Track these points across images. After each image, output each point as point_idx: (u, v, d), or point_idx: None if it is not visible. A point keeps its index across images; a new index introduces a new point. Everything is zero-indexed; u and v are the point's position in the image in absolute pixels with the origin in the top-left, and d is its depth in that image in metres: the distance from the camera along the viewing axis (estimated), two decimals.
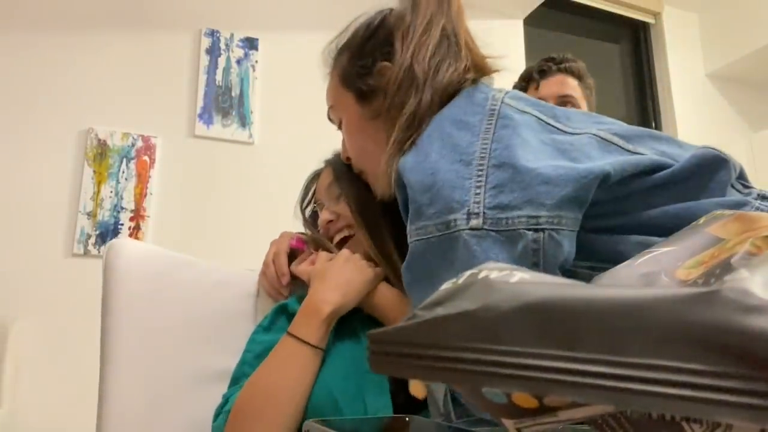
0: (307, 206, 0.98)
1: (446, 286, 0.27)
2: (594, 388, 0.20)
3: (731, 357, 0.17)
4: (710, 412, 0.17)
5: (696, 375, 0.18)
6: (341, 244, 0.86)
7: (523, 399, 0.25)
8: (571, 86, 1.37)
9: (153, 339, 0.82)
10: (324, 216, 0.88)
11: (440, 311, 0.25)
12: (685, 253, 0.33)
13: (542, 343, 0.21)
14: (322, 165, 0.96)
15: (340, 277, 0.76)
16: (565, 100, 1.34)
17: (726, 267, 0.28)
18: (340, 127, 0.80)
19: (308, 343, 0.71)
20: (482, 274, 0.26)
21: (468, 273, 0.27)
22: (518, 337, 0.22)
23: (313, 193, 0.97)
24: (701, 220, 0.36)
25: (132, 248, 0.86)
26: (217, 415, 0.74)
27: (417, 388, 0.32)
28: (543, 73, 1.38)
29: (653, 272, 0.33)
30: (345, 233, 0.86)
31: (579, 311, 0.21)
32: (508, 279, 0.25)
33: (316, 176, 0.97)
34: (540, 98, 1.29)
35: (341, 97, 0.77)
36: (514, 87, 1.44)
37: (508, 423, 0.26)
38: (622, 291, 0.21)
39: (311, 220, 0.95)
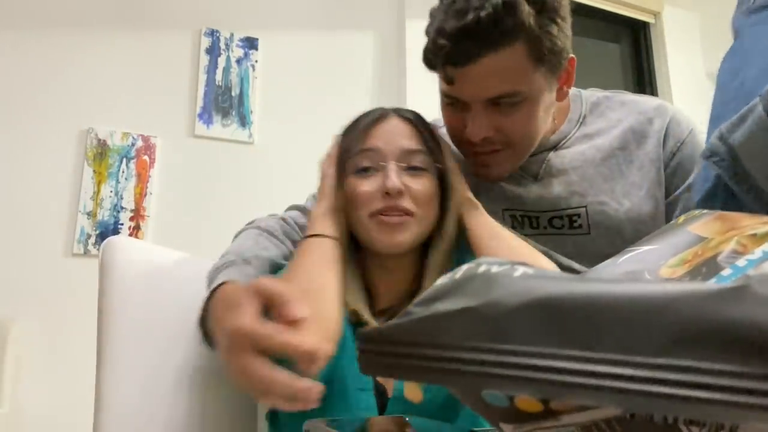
0: (346, 153, 0.76)
1: (442, 280, 0.25)
2: (614, 391, 0.18)
3: (764, 356, 0.16)
4: (746, 417, 0.16)
5: (727, 377, 0.16)
6: (382, 222, 0.72)
7: (528, 403, 0.23)
8: (500, 79, 0.77)
9: (150, 337, 0.81)
10: (393, 182, 0.71)
11: (439, 307, 0.23)
12: (667, 252, 0.32)
13: (555, 343, 0.20)
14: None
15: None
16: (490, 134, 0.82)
17: (712, 265, 0.28)
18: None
19: (331, 237, 0.71)
20: (482, 268, 0.24)
21: (465, 267, 0.25)
22: (528, 335, 0.20)
23: (360, 132, 0.76)
24: (680, 219, 0.36)
25: (129, 246, 0.86)
26: None
27: (413, 392, 0.30)
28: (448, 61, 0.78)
29: (636, 271, 0.32)
30: (405, 212, 0.72)
31: (595, 307, 0.19)
32: (511, 273, 0.23)
33: (380, 119, 0.77)
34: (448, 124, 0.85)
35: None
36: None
37: (506, 428, 0.25)
38: (641, 286, 0.20)
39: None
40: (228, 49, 2.44)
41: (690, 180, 0.88)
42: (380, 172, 0.74)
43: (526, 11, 0.74)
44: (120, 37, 2.30)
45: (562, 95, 0.87)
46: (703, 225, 0.33)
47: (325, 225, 0.73)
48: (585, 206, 0.89)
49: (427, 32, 0.81)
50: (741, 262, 0.28)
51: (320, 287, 0.66)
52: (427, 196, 0.74)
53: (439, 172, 0.77)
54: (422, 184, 0.74)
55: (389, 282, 0.78)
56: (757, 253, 0.28)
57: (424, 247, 0.78)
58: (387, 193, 0.71)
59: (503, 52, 0.75)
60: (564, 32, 0.80)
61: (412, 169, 0.74)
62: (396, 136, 0.75)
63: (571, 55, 0.85)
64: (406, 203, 0.72)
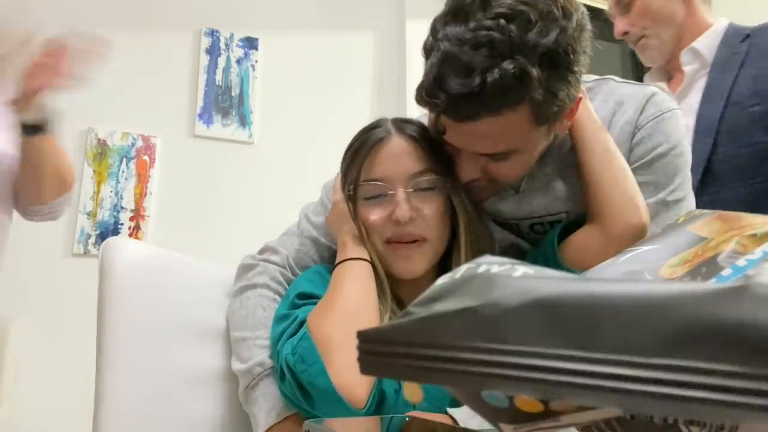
0: (353, 184, 0.77)
1: (442, 280, 0.25)
2: (614, 391, 0.18)
3: (764, 357, 0.16)
4: (746, 417, 0.16)
5: (727, 377, 0.16)
6: (397, 249, 0.76)
7: (528, 403, 0.23)
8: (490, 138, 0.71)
9: (149, 338, 0.82)
10: (403, 212, 0.73)
11: (438, 308, 0.23)
12: (667, 252, 0.32)
13: (554, 343, 0.19)
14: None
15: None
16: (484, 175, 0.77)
17: (712, 265, 0.28)
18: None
19: (366, 260, 0.75)
20: (482, 268, 0.24)
21: (465, 267, 0.25)
22: (527, 335, 0.20)
23: (362, 160, 0.76)
24: (681, 219, 0.36)
25: (128, 247, 0.86)
26: (282, 345, 0.71)
27: (412, 392, 0.29)
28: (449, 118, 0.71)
29: (636, 271, 0.32)
30: (417, 238, 0.76)
31: (594, 308, 0.19)
32: (511, 273, 0.23)
33: (382, 141, 0.76)
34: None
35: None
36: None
37: (506, 428, 0.24)
38: (640, 286, 0.19)
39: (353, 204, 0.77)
40: (228, 49, 2.44)
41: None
42: (389, 198, 0.76)
43: (536, 79, 0.66)
44: (120, 37, 2.29)
45: (563, 128, 0.81)
46: (703, 225, 0.33)
47: (355, 248, 0.76)
48: (566, 211, 0.86)
49: (427, 60, 0.70)
50: (741, 262, 0.28)
51: (371, 310, 0.71)
52: (437, 217, 0.76)
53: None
54: (432, 207, 0.76)
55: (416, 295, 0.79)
56: (757, 253, 0.28)
57: (446, 255, 0.80)
58: (397, 221, 0.74)
59: (504, 116, 0.68)
60: (574, 85, 0.73)
61: (421, 190, 0.76)
62: (401, 160, 0.76)
63: (579, 95, 0.78)
64: (418, 229, 0.75)
